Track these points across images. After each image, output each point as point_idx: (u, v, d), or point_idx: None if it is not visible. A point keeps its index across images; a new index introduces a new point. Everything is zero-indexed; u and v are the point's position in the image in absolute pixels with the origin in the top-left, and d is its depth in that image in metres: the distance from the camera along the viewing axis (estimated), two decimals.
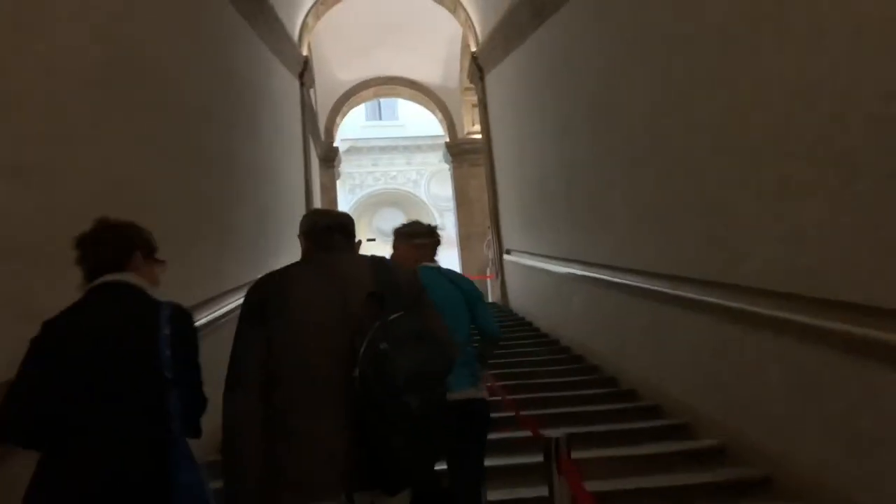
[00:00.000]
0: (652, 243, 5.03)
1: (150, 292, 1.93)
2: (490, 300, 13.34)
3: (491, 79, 11.18)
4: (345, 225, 2.00)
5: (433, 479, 2.06)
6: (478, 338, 3.03)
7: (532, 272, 8.79)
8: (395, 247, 3.01)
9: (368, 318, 1.69)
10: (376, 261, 1.93)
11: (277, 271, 1.85)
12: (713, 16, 4.06)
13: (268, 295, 1.76)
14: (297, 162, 10.78)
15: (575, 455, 2.77)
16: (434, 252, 2.98)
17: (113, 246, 1.91)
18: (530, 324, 8.87)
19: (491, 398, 3.06)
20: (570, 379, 6.00)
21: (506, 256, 10.66)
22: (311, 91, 13.39)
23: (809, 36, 3.20)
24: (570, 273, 6.93)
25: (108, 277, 1.88)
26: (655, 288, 4.95)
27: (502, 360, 6.69)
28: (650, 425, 4.65)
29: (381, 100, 23.30)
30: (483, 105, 11.64)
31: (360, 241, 2.10)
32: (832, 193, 3.07)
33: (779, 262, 3.47)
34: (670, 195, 4.72)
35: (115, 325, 1.80)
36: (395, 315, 1.71)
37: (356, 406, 1.62)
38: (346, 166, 22.14)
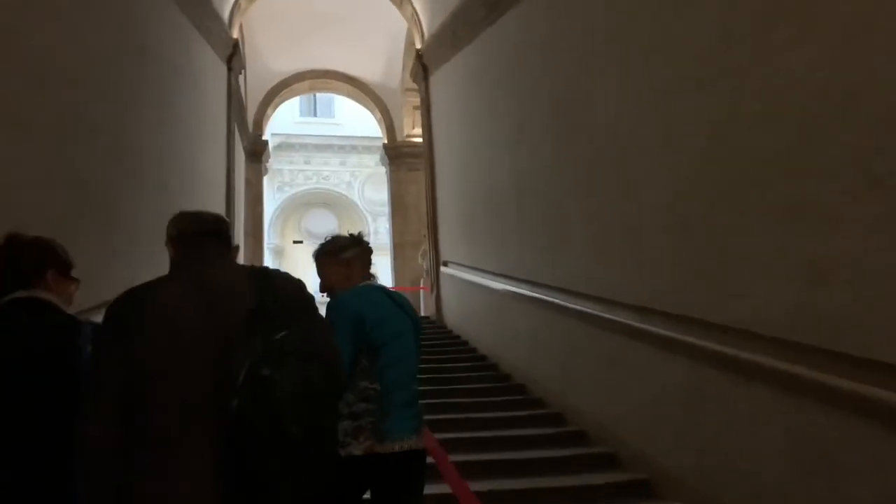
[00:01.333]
0: (618, 266, 4.41)
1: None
2: (424, 314, 12.66)
3: (436, 79, 10.49)
4: (219, 229, 1.81)
5: None
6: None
7: (472, 288, 8.11)
8: (320, 273, 2.51)
9: (247, 337, 1.53)
10: (257, 270, 1.75)
11: (141, 285, 1.65)
12: (710, 8, 3.48)
13: (128, 312, 1.58)
14: (219, 153, 9.78)
15: None
16: (368, 263, 2.54)
17: (25, 262, 1.84)
18: (466, 343, 8.19)
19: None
20: (509, 414, 5.31)
21: (443, 269, 9.97)
22: (241, 78, 12.37)
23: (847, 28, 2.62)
24: (516, 293, 6.28)
25: (20, 294, 1.80)
26: (618, 319, 4.34)
27: (433, 387, 5.98)
28: (605, 480, 4.00)
29: (318, 95, 22.44)
30: (426, 106, 10.94)
31: (237, 247, 1.91)
32: (867, 222, 2.49)
33: (787, 304, 2.89)
34: (642, 213, 4.12)
35: (32, 346, 1.71)
36: (279, 334, 1.54)
37: (232, 440, 1.47)
38: (275, 163, 21.03)
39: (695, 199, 3.58)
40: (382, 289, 2.49)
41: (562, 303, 5.23)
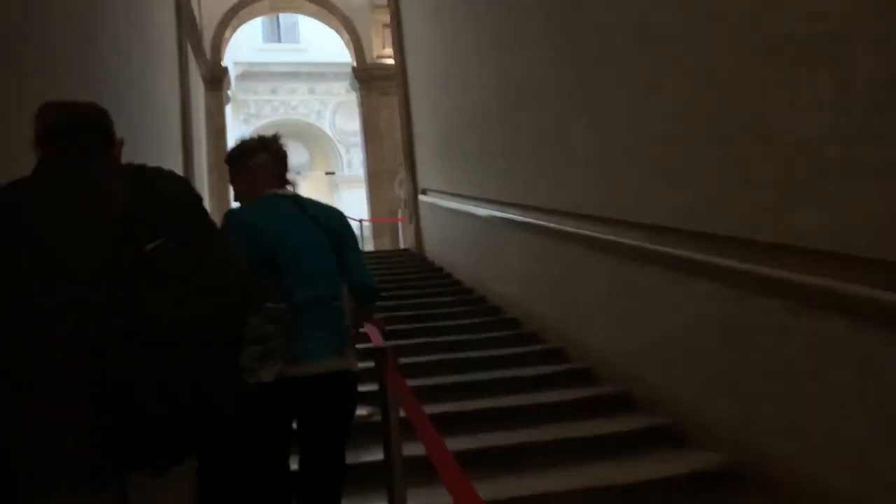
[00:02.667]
0: (631, 181, 3.76)
1: None
2: (403, 246, 12.03)
3: None
4: (96, 123, 1.56)
5: (236, 449, 1.61)
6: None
7: (454, 216, 7.45)
8: (231, 183, 2.31)
9: (118, 246, 1.32)
10: (139, 169, 1.50)
11: None
12: None
13: None
14: (171, 79, 8.84)
15: None
16: (282, 170, 2.27)
17: None
18: (450, 275, 7.59)
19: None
20: (503, 351, 4.73)
21: (421, 197, 9.27)
22: None
23: None
24: (505, 218, 5.64)
25: None
26: (629, 241, 3.73)
27: (416, 325, 5.39)
28: (623, 426, 3.42)
29: (281, 20, 21.07)
30: (397, 21, 10.00)
31: (121, 141, 1.62)
32: None
33: (873, 215, 2.26)
34: (665, 117, 3.44)
35: None
36: (154, 243, 1.33)
37: (100, 367, 1.26)
38: (240, 93, 19.87)
39: (737, 90, 2.90)
40: (294, 198, 2.23)
41: (560, 227, 4.60)
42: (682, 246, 3.33)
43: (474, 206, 6.54)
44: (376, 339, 2.54)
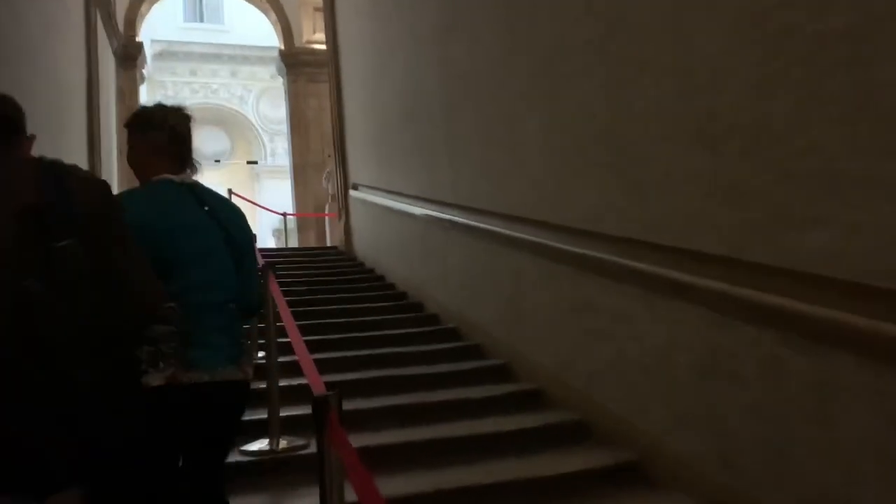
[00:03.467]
0: (593, 189, 3.41)
1: None
2: (330, 243, 11.43)
3: None
4: (4, 115, 1.46)
5: (126, 472, 1.39)
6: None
7: (388, 215, 6.98)
8: (129, 147, 2.06)
9: (16, 244, 1.22)
10: (46, 164, 1.38)
11: None
12: None
13: None
14: (76, 52, 7.97)
15: None
16: (181, 151, 2.02)
17: None
18: (382, 278, 7.11)
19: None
20: (443, 368, 4.31)
21: (352, 193, 8.75)
22: None
23: None
24: (446, 220, 5.22)
25: None
26: (593, 254, 3.38)
27: (344, 335, 4.91)
28: (585, 463, 3.06)
29: (204, 0, 19.93)
30: (329, 4, 9.40)
31: (32, 137, 1.53)
32: None
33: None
34: (634, 117, 3.09)
35: None
36: (62, 242, 1.23)
37: None
38: (157, 73, 18.68)
39: (725, 93, 2.57)
40: (192, 188, 2.00)
41: (508, 232, 4.22)
42: (653, 262, 3.01)
43: (411, 204, 6.09)
44: (315, 382, 2.10)
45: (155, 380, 1.76)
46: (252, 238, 2.17)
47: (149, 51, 17.39)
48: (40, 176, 1.33)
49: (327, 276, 7.27)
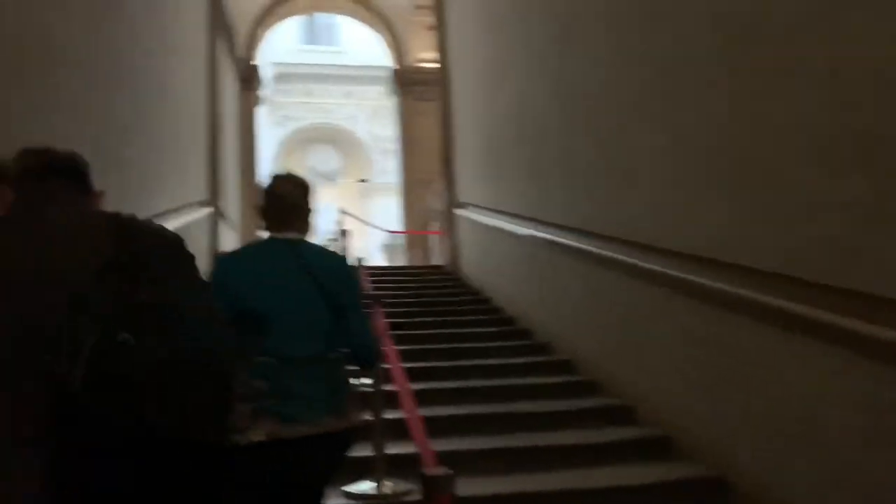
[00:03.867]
0: (725, 213, 3.04)
1: None
2: (435, 262, 11.38)
3: None
4: (71, 166, 1.49)
5: None
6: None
7: (496, 234, 6.77)
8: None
9: (98, 293, 1.22)
10: (123, 219, 1.39)
11: None
12: None
13: None
14: (199, 76, 8.34)
15: None
16: (282, 217, 2.09)
17: None
18: (488, 300, 6.89)
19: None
20: (562, 406, 4.02)
21: (459, 211, 8.61)
22: None
23: None
24: (557, 242, 4.94)
25: None
26: (717, 285, 3.01)
27: (448, 363, 4.71)
28: None
29: (319, 21, 20.65)
30: (441, 22, 9.38)
31: (100, 193, 1.55)
32: None
33: None
34: (777, 135, 2.72)
35: None
36: (140, 293, 1.24)
37: (67, 424, 1.15)
38: (274, 94, 19.48)
39: (893, 107, 2.18)
40: (290, 244, 2.05)
41: (624, 258, 3.90)
42: (797, 299, 2.62)
43: (520, 225, 5.85)
44: (430, 460, 2.08)
45: (256, 435, 1.81)
46: (355, 287, 2.18)
47: (267, 73, 18.23)
48: (118, 231, 1.36)
49: (433, 297, 7.14)
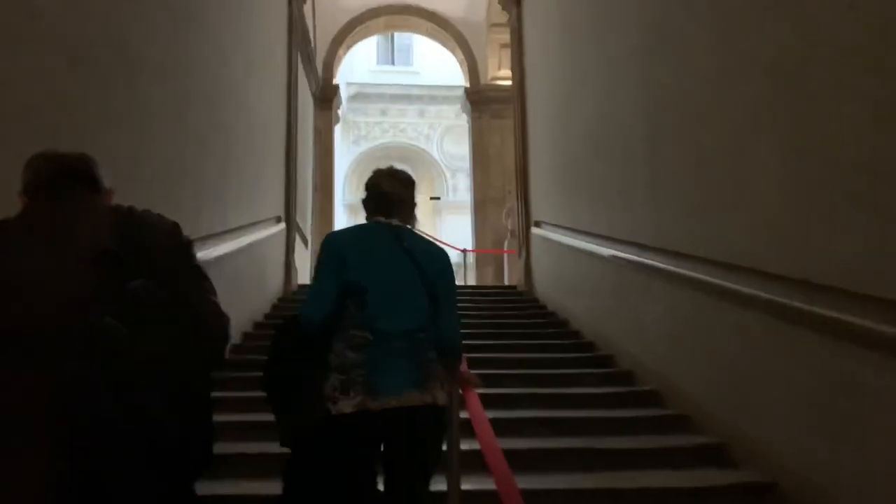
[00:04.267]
0: (849, 237, 2.67)
1: None
2: (507, 282, 11.09)
3: (531, 2, 8.70)
4: (81, 169, 1.54)
5: None
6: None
7: (573, 255, 6.46)
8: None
9: (96, 284, 1.29)
10: (123, 211, 1.48)
11: None
12: None
13: None
14: (278, 94, 8.40)
15: None
16: (382, 205, 2.20)
17: None
18: (565, 324, 6.57)
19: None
20: (652, 443, 3.67)
21: (534, 230, 8.33)
22: (308, 13, 10.93)
23: None
24: (644, 264, 4.60)
25: None
26: (854, 321, 2.62)
27: (524, 389, 4.42)
28: None
29: (396, 42, 20.88)
30: (517, 36, 9.19)
31: (109, 191, 1.59)
32: None
33: None
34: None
35: None
36: (138, 282, 1.32)
37: (65, 415, 1.19)
38: (351, 114, 19.76)
39: None
40: (390, 228, 2.17)
41: (728, 284, 3.53)
42: None
43: (602, 245, 5.53)
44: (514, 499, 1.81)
45: (346, 406, 1.91)
46: (451, 279, 2.23)
47: (344, 92, 18.49)
48: (117, 223, 1.42)
49: (507, 319, 6.86)
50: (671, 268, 4.17)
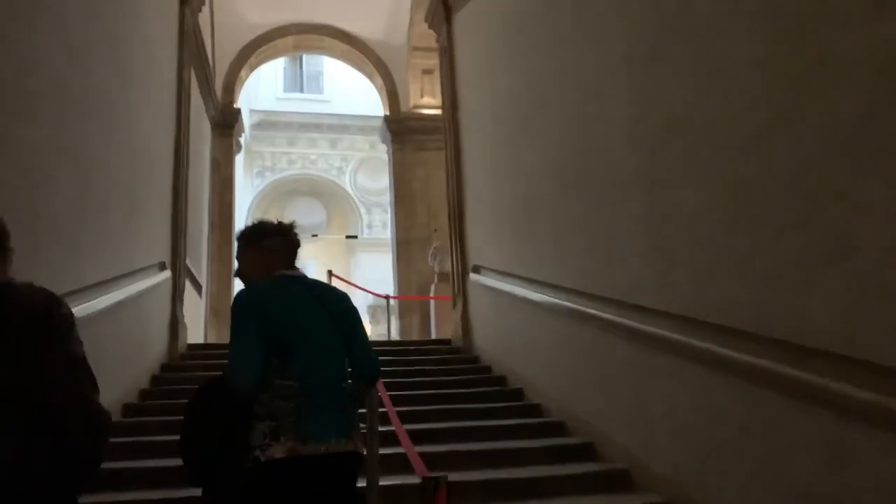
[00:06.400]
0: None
1: None
2: (435, 334, 9.90)
3: (464, 18, 7.72)
4: None
5: None
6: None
7: (525, 308, 5.38)
8: (238, 256, 2.33)
9: None
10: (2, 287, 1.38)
11: None
12: None
13: None
14: (164, 116, 6.95)
15: None
16: (291, 257, 2.30)
17: None
18: (519, 394, 5.44)
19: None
20: None
21: (472, 276, 7.21)
22: (206, 24, 9.53)
23: None
24: (645, 332, 3.54)
25: None
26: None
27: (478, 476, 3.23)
28: None
29: (305, 68, 19.56)
30: (448, 59, 8.16)
31: (11, 251, 1.54)
32: None
33: None
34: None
35: None
36: None
37: None
38: (255, 143, 18.24)
39: None
40: (303, 280, 2.25)
41: (716, 348, 2.50)
42: None
43: (576, 302, 4.44)
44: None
45: (278, 452, 1.94)
46: (358, 317, 2.30)
47: (247, 121, 16.96)
48: None
49: (444, 389, 5.64)
50: (687, 339, 3.11)
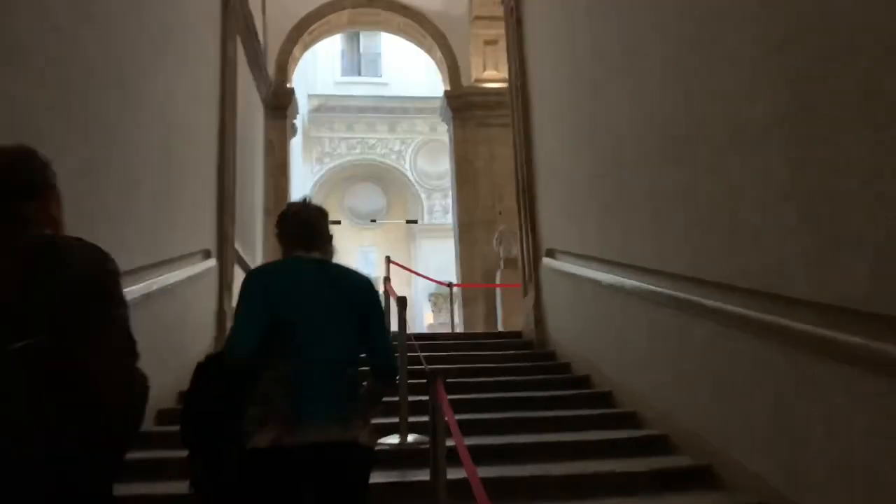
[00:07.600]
0: None
1: None
2: (502, 325, 9.15)
3: None
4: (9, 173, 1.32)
5: None
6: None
7: (612, 297, 4.58)
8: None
9: None
10: (38, 247, 1.24)
11: None
12: None
13: None
14: (206, 92, 6.40)
15: None
16: (304, 237, 2.17)
17: None
18: (607, 398, 4.65)
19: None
20: None
21: (545, 261, 6.42)
22: (254, 2, 8.97)
23: None
24: (751, 317, 2.69)
25: None
26: None
27: None
28: None
29: (362, 51, 19.00)
30: (516, 19, 7.34)
31: (51, 191, 1.41)
32: None
33: None
34: None
35: None
36: (20, 343, 1.12)
37: None
38: (314, 129, 17.82)
39: None
40: (316, 262, 2.15)
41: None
42: None
43: (685, 292, 3.61)
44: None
45: (261, 441, 1.86)
46: (378, 303, 2.20)
47: (306, 106, 16.51)
48: (29, 263, 1.21)
49: (517, 391, 4.88)
50: (835, 334, 2.26)
